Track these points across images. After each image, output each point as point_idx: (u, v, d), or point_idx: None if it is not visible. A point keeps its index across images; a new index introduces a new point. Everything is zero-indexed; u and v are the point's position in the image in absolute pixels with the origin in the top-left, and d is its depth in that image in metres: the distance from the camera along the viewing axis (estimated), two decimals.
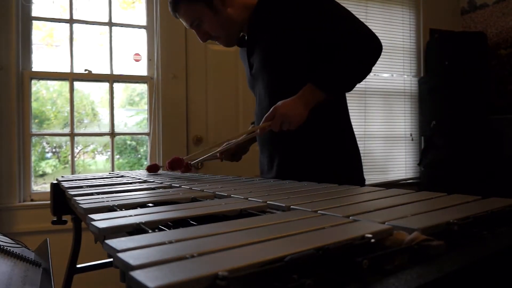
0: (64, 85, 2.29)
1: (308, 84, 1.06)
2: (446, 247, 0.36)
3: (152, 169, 1.43)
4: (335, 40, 1.08)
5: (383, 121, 3.04)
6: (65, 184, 1.09)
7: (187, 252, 0.33)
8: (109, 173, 1.62)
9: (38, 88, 2.26)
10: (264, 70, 1.20)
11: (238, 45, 1.30)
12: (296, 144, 1.16)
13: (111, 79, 2.32)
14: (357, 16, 1.12)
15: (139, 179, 1.22)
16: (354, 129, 1.25)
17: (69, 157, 2.26)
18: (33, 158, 2.17)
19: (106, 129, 2.33)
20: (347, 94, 1.23)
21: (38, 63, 2.20)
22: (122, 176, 1.37)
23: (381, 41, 1.10)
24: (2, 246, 0.99)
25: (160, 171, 1.48)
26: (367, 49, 1.06)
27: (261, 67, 1.20)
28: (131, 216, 0.54)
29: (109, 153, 2.33)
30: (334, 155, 1.16)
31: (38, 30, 2.25)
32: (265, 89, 1.21)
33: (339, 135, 1.18)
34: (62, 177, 1.43)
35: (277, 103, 1.08)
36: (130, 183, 1.09)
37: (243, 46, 1.29)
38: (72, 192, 0.88)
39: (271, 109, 1.05)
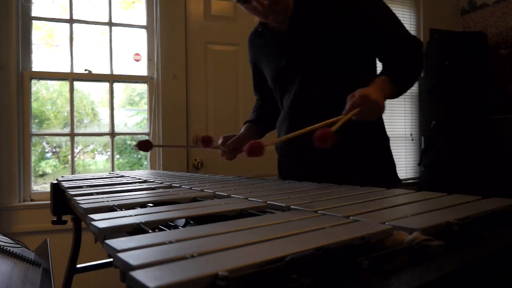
0: (64, 85, 2.29)
1: (382, 78, 1.00)
2: (446, 247, 0.36)
3: (143, 146, 1.21)
4: (392, 41, 1.07)
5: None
6: (65, 184, 1.09)
7: (187, 252, 0.33)
8: (109, 173, 1.62)
9: (38, 88, 2.26)
10: (308, 60, 1.13)
11: (254, 35, 1.26)
12: (344, 146, 1.08)
13: (111, 79, 2.32)
14: None
15: (139, 179, 1.22)
16: None
17: (69, 157, 2.26)
18: (33, 158, 2.17)
19: (106, 129, 2.33)
20: None
21: (38, 63, 2.20)
22: (122, 176, 1.37)
23: None
24: (2, 246, 0.99)
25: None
26: (422, 53, 1.10)
27: (306, 57, 1.13)
28: (131, 216, 0.54)
29: (109, 153, 2.33)
30: (378, 157, 1.15)
31: (38, 30, 2.25)
32: (308, 82, 1.13)
33: (381, 136, 1.17)
34: (62, 177, 1.43)
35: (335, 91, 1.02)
36: (130, 183, 1.09)
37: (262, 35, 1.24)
38: (72, 192, 0.88)
39: (358, 95, 0.90)
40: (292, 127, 1.18)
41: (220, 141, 1.29)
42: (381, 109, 0.94)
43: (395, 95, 1.03)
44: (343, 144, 1.05)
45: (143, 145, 1.21)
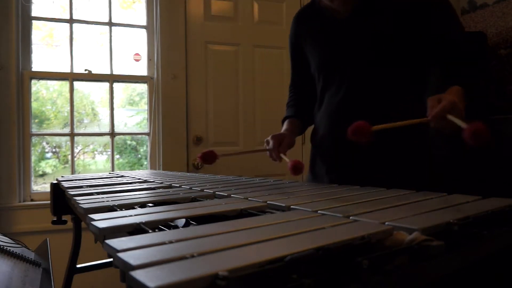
0: (64, 85, 2.29)
1: (455, 87, 0.95)
2: (446, 247, 0.36)
3: (208, 158, 1.03)
4: (465, 49, 1.03)
5: None
6: (65, 184, 1.09)
7: (187, 252, 0.33)
8: (109, 173, 1.62)
9: (38, 88, 2.26)
10: (368, 53, 1.05)
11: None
12: (383, 155, 1.02)
13: (111, 79, 2.32)
14: None
15: (139, 179, 1.22)
16: None
17: (69, 157, 2.26)
18: (33, 158, 2.17)
19: (106, 129, 2.33)
20: None
21: (38, 63, 2.20)
22: (122, 176, 1.37)
23: None
24: (2, 246, 0.99)
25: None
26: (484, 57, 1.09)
27: (366, 49, 1.05)
28: (131, 216, 0.54)
29: (109, 153, 2.33)
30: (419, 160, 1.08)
31: (38, 30, 2.25)
32: (365, 76, 1.06)
33: (424, 146, 1.10)
34: (62, 177, 1.43)
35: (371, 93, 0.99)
36: (130, 183, 1.09)
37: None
38: (72, 192, 0.88)
39: (448, 102, 0.82)
40: (336, 124, 1.10)
41: (271, 142, 1.10)
42: (462, 108, 0.87)
43: (467, 100, 0.98)
44: (383, 153, 1.00)
45: (207, 157, 1.03)
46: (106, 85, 2.33)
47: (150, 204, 0.68)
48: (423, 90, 1.11)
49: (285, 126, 1.23)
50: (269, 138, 1.11)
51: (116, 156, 2.39)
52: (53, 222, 1.31)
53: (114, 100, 2.33)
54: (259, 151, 1.14)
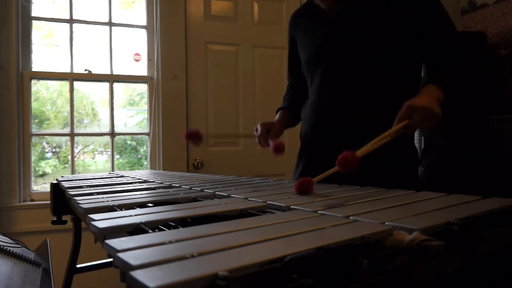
0: (64, 85, 2.29)
1: (430, 85, 0.98)
2: (446, 247, 0.36)
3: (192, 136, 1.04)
4: (448, 48, 1.04)
5: None
6: (65, 184, 1.09)
7: (187, 252, 0.33)
8: (109, 173, 1.62)
9: (38, 88, 2.26)
10: (355, 52, 1.06)
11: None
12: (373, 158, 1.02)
13: (111, 79, 2.32)
14: None
15: (139, 179, 1.22)
16: None
17: (69, 157, 2.26)
18: (33, 158, 2.17)
19: (106, 129, 2.34)
20: None
21: (38, 63, 2.20)
22: (122, 176, 1.37)
23: None
24: (2, 246, 0.99)
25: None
26: (471, 59, 1.07)
27: (354, 47, 1.07)
28: (131, 216, 0.54)
29: (109, 153, 2.33)
30: (404, 160, 1.09)
31: (38, 30, 2.25)
32: (350, 74, 1.07)
33: (411, 148, 1.12)
34: (62, 177, 1.43)
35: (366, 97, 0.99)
36: (130, 183, 1.09)
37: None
38: (72, 192, 0.88)
39: (404, 107, 0.87)
40: (316, 121, 1.13)
41: (259, 129, 1.18)
42: (436, 113, 0.88)
43: (444, 101, 0.98)
44: (373, 156, 0.99)
45: (192, 136, 1.07)
46: (106, 85, 2.33)
47: (150, 204, 0.68)
48: (413, 90, 1.10)
49: (277, 117, 1.30)
50: (258, 125, 1.20)
51: (116, 156, 2.39)
52: (53, 222, 1.31)
53: (114, 100, 2.33)
54: (248, 137, 1.18)
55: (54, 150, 2.35)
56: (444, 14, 1.08)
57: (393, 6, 1.04)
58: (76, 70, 2.26)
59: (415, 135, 3.19)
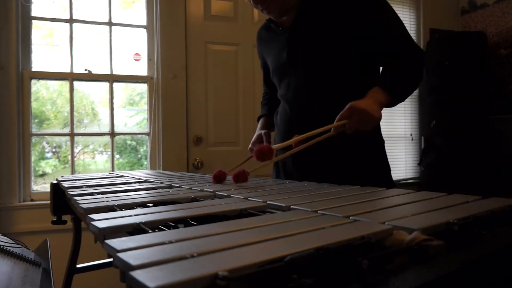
0: (64, 85, 2.29)
1: (376, 88, 1.02)
2: (446, 247, 0.36)
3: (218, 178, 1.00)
4: (396, 47, 1.08)
5: (383, 121, 3.01)
6: (65, 184, 1.09)
7: (187, 252, 0.33)
8: (109, 173, 1.62)
9: (38, 88, 2.26)
10: (309, 57, 1.13)
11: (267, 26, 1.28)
12: (337, 148, 1.07)
13: (111, 79, 2.32)
14: None
15: (139, 179, 1.22)
16: None
17: (69, 157, 2.26)
18: (33, 158, 2.17)
19: (106, 129, 2.33)
20: None
21: (38, 63, 2.20)
22: (122, 176, 1.37)
23: None
24: (2, 246, 0.99)
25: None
26: (423, 63, 1.11)
27: (307, 53, 1.13)
28: (131, 216, 0.54)
29: (109, 153, 2.33)
30: (372, 159, 1.14)
31: (38, 30, 2.25)
32: (307, 78, 1.13)
33: (376, 138, 1.17)
34: (62, 177, 1.43)
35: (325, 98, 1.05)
36: (130, 183, 1.09)
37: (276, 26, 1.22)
38: (72, 192, 0.88)
39: (347, 107, 0.94)
40: (287, 125, 1.20)
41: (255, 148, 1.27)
42: (374, 117, 0.95)
43: (391, 103, 1.03)
44: (338, 145, 1.06)
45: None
46: (106, 85, 2.33)
47: (150, 204, 0.68)
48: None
49: (259, 125, 1.40)
50: (250, 146, 1.29)
51: (116, 156, 2.39)
52: (53, 222, 1.31)
53: (114, 100, 2.33)
54: (247, 160, 1.18)
55: (54, 150, 2.35)
56: (391, 15, 1.11)
57: (339, 11, 1.09)
58: (76, 70, 2.26)
59: (416, 134, 3.19)
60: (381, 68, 1.17)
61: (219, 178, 0.99)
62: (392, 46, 1.08)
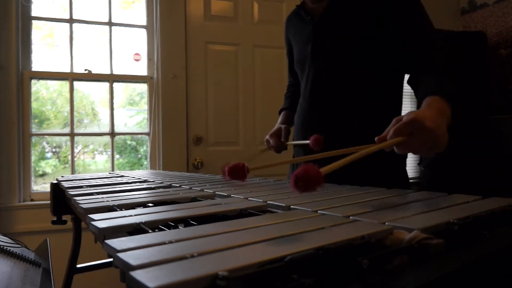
0: (64, 85, 2.29)
1: (437, 98, 0.80)
2: (446, 247, 0.36)
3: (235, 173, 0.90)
4: (429, 47, 0.94)
5: None
6: (65, 184, 1.08)
7: (187, 252, 0.33)
8: (109, 173, 1.62)
9: (38, 88, 2.26)
10: (334, 55, 1.07)
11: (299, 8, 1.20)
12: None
13: (111, 79, 2.32)
14: None
15: (139, 179, 1.22)
16: None
17: (69, 157, 2.26)
18: (33, 158, 2.17)
19: (106, 129, 2.33)
20: None
21: (38, 63, 2.20)
22: (122, 176, 1.37)
23: None
24: (2, 246, 0.99)
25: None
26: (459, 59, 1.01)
27: (332, 51, 1.07)
28: (131, 216, 0.54)
29: (109, 153, 2.33)
30: (396, 169, 1.06)
31: (38, 30, 2.25)
32: (326, 77, 1.08)
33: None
34: (62, 177, 1.43)
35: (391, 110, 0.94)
36: (130, 183, 1.09)
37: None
38: (72, 192, 0.88)
39: (408, 119, 0.68)
40: (302, 123, 1.15)
41: (271, 141, 1.23)
42: (441, 144, 0.71)
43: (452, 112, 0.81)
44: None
45: (235, 172, 0.90)
46: (106, 85, 2.33)
47: (150, 204, 0.68)
48: (394, 100, 1.10)
49: (280, 119, 1.34)
50: (267, 137, 1.24)
51: (116, 156, 2.39)
52: (53, 222, 1.31)
53: (114, 100, 2.33)
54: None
55: (54, 150, 2.35)
56: (419, 13, 1.01)
57: (369, 7, 1.02)
58: (76, 70, 2.26)
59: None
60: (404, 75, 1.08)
61: (235, 173, 0.81)
62: (428, 50, 0.94)
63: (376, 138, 0.70)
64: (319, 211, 0.53)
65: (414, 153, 0.72)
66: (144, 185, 1.00)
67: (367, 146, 0.68)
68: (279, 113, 1.39)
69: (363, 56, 1.04)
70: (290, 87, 1.43)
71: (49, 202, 1.34)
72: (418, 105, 0.84)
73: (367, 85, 1.05)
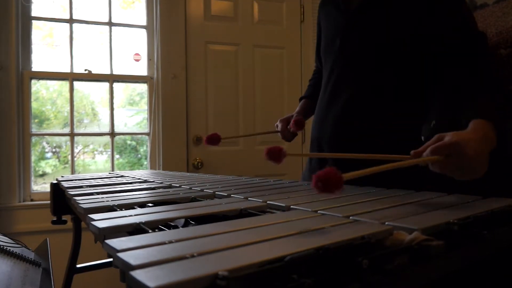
0: (64, 85, 2.29)
1: (485, 122, 0.79)
2: (446, 247, 0.36)
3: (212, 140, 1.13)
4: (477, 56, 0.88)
5: None
6: (65, 184, 1.09)
7: (187, 252, 0.33)
8: (109, 173, 1.62)
9: (38, 88, 2.26)
10: (363, 54, 1.01)
11: None
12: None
13: (111, 79, 2.32)
14: None
15: (139, 179, 1.22)
16: None
17: (69, 157, 2.26)
18: (33, 158, 2.17)
19: (106, 129, 2.33)
20: None
21: (38, 63, 2.20)
22: (122, 176, 1.37)
23: None
24: (2, 246, 0.99)
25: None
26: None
27: (361, 49, 1.01)
28: (131, 216, 0.54)
29: (109, 153, 2.33)
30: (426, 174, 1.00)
31: (38, 30, 2.25)
32: (351, 78, 1.03)
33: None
34: (62, 177, 1.43)
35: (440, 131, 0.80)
36: (130, 183, 1.09)
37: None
38: (72, 192, 0.88)
39: (450, 142, 0.66)
40: (320, 121, 1.09)
41: (279, 125, 1.26)
42: (478, 170, 0.70)
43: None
44: (388, 151, 0.86)
45: (212, 140, 1.15)
46: (106, 85, 2.33)
47: (150, 204, 0.68)
48: (419, 108, 1.04)
49: (298, 107, 1.33)
50: (278, 122, 1.26)
51: (116, 156, 2.39)
52: (53, 222, 1.31)
53: (114, 100, 2.33)
54: (270, 133, 1.29)
55: (54, 150, 2.35)
56: (461, 10, 0.93)
57: (409, 5, 0.96)
58: (76, 70, 2.26)
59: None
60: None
61: (273, 155, 0.77)
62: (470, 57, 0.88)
63: (412, 152, 0.67)
64: (319, 211, 0.53)
65: (448, 174, 0.69)
66: (144, 185, 1.00)
67: (398, 156, 0.66)
68: (300, 100, 1.36)
69: (393, 60, 0.98)
70: (315, 73, 1.36)
71: (49, 202, 1.34)
72: (449, 106, 0.82)
73: (393, 84, 0.99)
